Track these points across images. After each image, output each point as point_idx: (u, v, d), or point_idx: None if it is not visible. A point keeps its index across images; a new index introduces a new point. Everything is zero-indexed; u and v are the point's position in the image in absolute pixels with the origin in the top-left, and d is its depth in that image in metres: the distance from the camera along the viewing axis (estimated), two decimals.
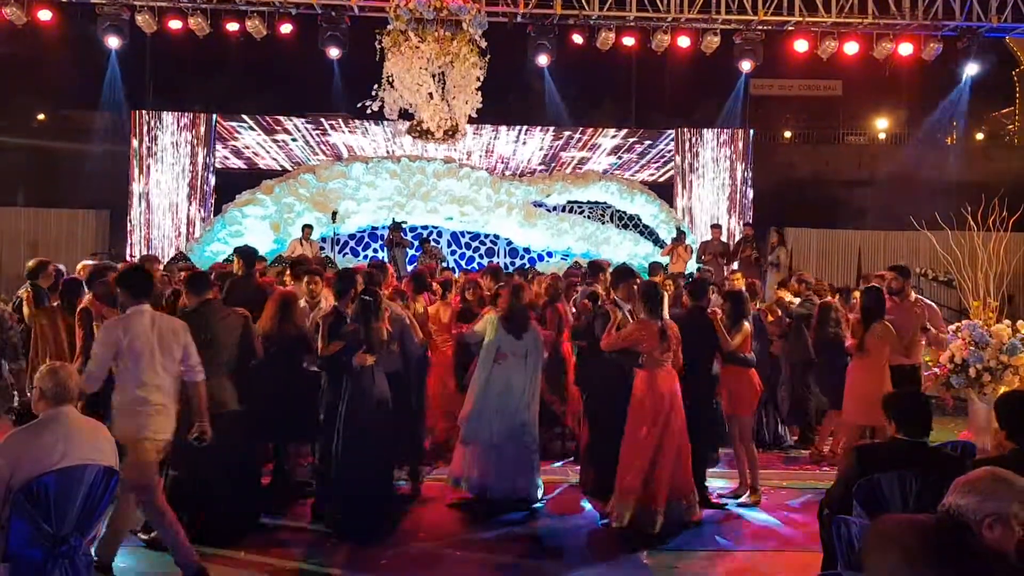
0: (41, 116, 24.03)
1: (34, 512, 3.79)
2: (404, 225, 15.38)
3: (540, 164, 17.69)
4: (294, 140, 17.37)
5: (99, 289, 6.41)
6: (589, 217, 16.92)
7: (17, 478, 3.80)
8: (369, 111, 9.04)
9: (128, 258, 14.32)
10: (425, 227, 16.39)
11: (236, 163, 17.40)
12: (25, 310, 7.56)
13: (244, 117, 17.27)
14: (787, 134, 26.59)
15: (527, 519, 6.38)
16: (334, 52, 10.81)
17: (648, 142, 17.86)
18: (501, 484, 6.44)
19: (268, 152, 17.43)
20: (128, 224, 16.75)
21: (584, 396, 7.10)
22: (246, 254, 7.62)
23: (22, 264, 13.40)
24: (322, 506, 6.11)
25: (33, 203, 18.44)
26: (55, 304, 7.02)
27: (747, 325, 6.80)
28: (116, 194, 17.00)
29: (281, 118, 17.32)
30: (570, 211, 16.94)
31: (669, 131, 17.83)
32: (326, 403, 6.08)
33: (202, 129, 16.96)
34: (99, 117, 19.01)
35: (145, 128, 16.91)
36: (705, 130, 17.79)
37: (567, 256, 16.29)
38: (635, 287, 6.54)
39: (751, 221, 16.79)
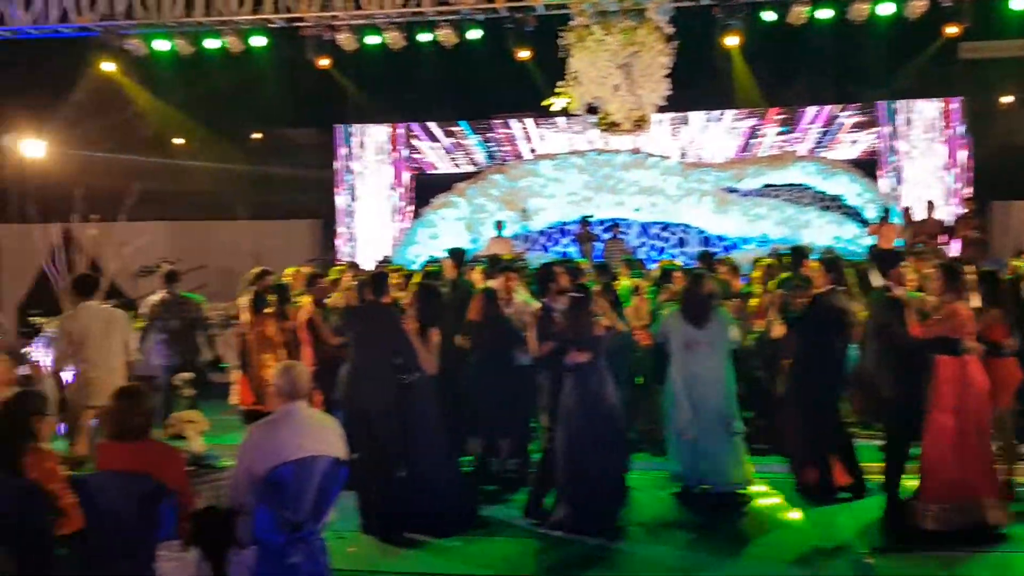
0: (257, 135, 25.98)
1: (275, 500, 4.13)
2: (591, 219, 15.43)
3: (732, 148, 17.19)
4: (484, 142, 17.84)
5: (316, 294, 6.90)
6: (787, 200, 16.25)
7: (259, 468, 4.15)
8: (555, 108, 9.12)
9: (337, 264, 15.22)
10: (613, 220, 16.35)
11: (430, 168, 18.10)
12: (244, 316, 8.19)
13: (436, 124, 17.93)
14: (1006, 99, 24.32)
15: (740, 508, 6.26)
16: (522, 53, 11.01)
17: (849, 117, 16.93)
18: (708, 475, 6.35)
19: (460, 155, 18.01)
20: (336, 232, 17.84)
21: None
22: (457, 255, 7.87)
23: (246, 273, 14.60)
24: (540, 501, 6.20)
25: (252, 216, 20.05)
26: (272, 310, 7.59)
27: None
28: (325, 204, 18.16)
29: (470, 122, 17.84)
30: (766, 195, 16.35)
31: (872, 104, 16.82)
32: (545, 402, 6.15)
33: (398, 138, 17.81)
34: (307, 134, 20.37)
35: (348, 141, 17.96)
36: (912, 101, 16.63)
37: (764, 242, 15.74)
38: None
39: (970, 196, 15.53)
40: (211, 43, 11.34)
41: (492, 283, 7.34)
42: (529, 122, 17.63)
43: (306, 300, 7.31)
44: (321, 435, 4.34)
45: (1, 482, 4.05)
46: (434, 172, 18.05)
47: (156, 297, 8.76)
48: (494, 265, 7.81)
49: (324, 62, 11.38)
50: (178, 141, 24.67)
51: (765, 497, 6.57)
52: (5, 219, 16.99)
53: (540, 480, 6.25)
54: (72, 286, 7.39)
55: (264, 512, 4.13)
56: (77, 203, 11.99)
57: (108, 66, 12.02)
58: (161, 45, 11.50)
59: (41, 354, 6.98)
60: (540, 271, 6.78)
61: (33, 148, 13.39)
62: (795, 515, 6.24)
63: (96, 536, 4.08)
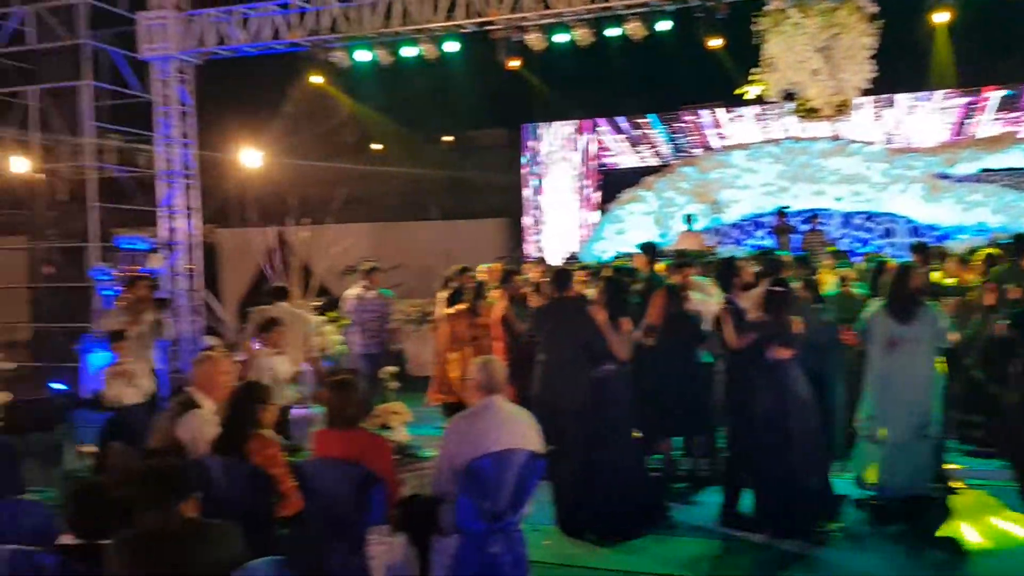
0: (448, 138, 26.89)
1: (475, 490, 4.26)
2: (788, 210, 14.84)
3: (943, 131, 15.98)
4: (671, 134, 17.57)
5: (509, 290, 7.05)
6: (1007, 186, 14.94)
7: (460, 459, 4.30)
8: (750, 97, 8.83)
9: (526, 261, 15.48)
10: (812, 210, 15.62)
11: (617, 163, 18.04)
12: (439, 310, 8.51)
13: (623, 118, 17.86)
14: None
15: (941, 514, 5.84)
16: (713, 42, 10.74)
17: None
18: (904, 482, 5.94)
19: (645, 149, 17.83)
20: (525, 230, 18.17)
21: None
22: (649, 249, 7.81)
23: (441, 270, 15.16)
24: (733, 505, 6.06)
25: (445, 216, 20.79)
26: (464, 306, 7.83)
27: None
28: (514, 203, 18.55)
29: (657, 115, 17.63)
30: (983, 180, 15.10)
31: None
32: (734, 400, 5.99)
33: (584, 135, 17.88)
34: (495, 134, 20.89)
35: (535, 139, 18.23)
36: None
37: (982, 231, 14.53)
38: None
39: None
40: (408, 51, 11.80)
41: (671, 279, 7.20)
42: (720, 112, 17.20)
43: (499, 296, 7.50)
44: (518, 429, 4.43)
45: (230, 467, 4.42)
46: (621, 167, 17.99)
47: (352, 292, 9.25)
48: (680, 260, 7.66)
49: (514, 63, 11.58)
50: (377, 147, 25.98)
51: (976, 503, 6.10)
52: (228, 224, 18.53)
53: (730, 482, 6.08)
54: (270, 291, 8.64)
55: (466, 501, 4.26)
56: (291, 208, 12.87)
57: (316, 78, 12.78)
58: (362, 56, 12.11)
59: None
60: (722, 265, 6.59)
61: (251, 158, 14.48)
62: (1013, 525, 5.75)
63: (314, 519, 4.37)
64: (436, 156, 25.25)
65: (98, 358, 11.98)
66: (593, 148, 17.96)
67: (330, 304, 10.68)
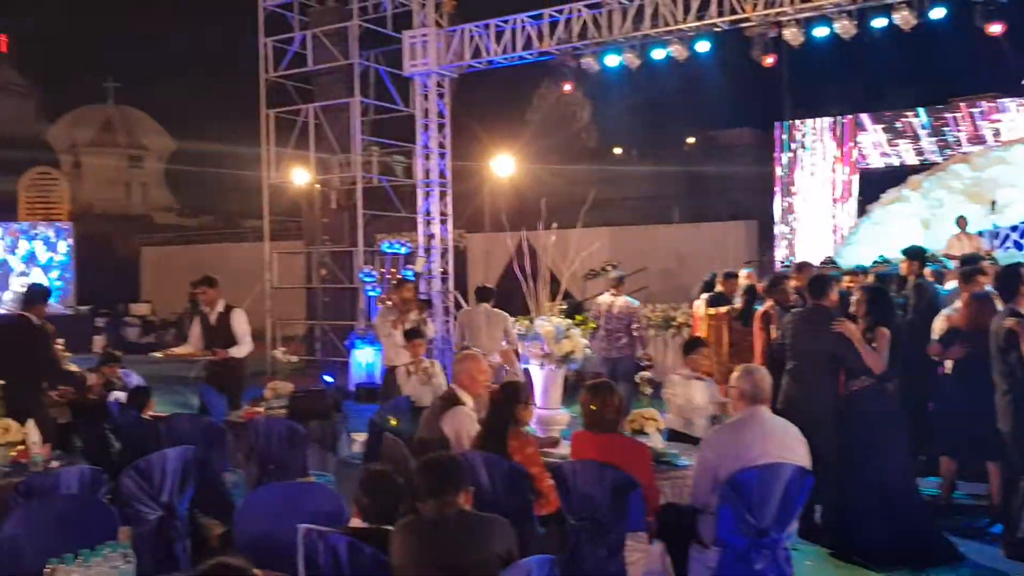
0: (691, 140, 26.53)
1: (738, 503, 4.12)
2: None
3: None
4: (937, 129, 16.21)
5: (778, 296, 6.79)
6: None
7: (722, 471, 4.18)
8: None
9: (778, 265, 14.89)
10: None
11: (878, 162, 16.91)
12: (698, 314, 8.38)
13: (884, 113, 16.72)
14: None
15: None
16: (993, 28, 9.78)
17: None
18: None
19: (905, 145, 16.57)
20: (775, 232, 17.47)
21: None
22: (915, 254, 7.27)
23: (685, 276, 14.93)
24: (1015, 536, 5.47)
25: (685, 219, 20.48)
26: (726, 310, 7.65)
27: None
28: (762, 204, 17.91)
29: (922, 109, 16.34)
30: None
31: None
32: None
33: (841, 132, 16.91)
34: (743, 134, 20.30)
35: (788, 138, 17.47)
36: None
37: None
38: None
39: None
40: (658, 53, 11.73)
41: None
42: (1000, 103, 15.64)
43: (767, 303, 7.26)
44: (787, 442, 4.25)
45: (491, 463, 4.58)
46: (881, 166, 16.84)
47: (602, 298, 9.35)
48: (972, 267, 6.98)
49: (769, 60, 11.17)
50: (617, 151, 26.13)
51: None
52: (476, 229, 19.35)
53: (1009, 511, 5.49)
54: (475, 292, 9.21)
55: (727, 514, 4.14)
56: (537, 212, 13.17)
57: (564, 86, 13.04)
58: (611, 60, 12.20)
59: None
60: (1005, 272, 5.94)
61: (502, 165, 15.04)
62: None
63: (571, 519, 4.42)
64: (678, 158, 24.97)
65: (363, 354, 12.97)
66: (850, 145, 16.94)
67: (574, 308, 10.82)
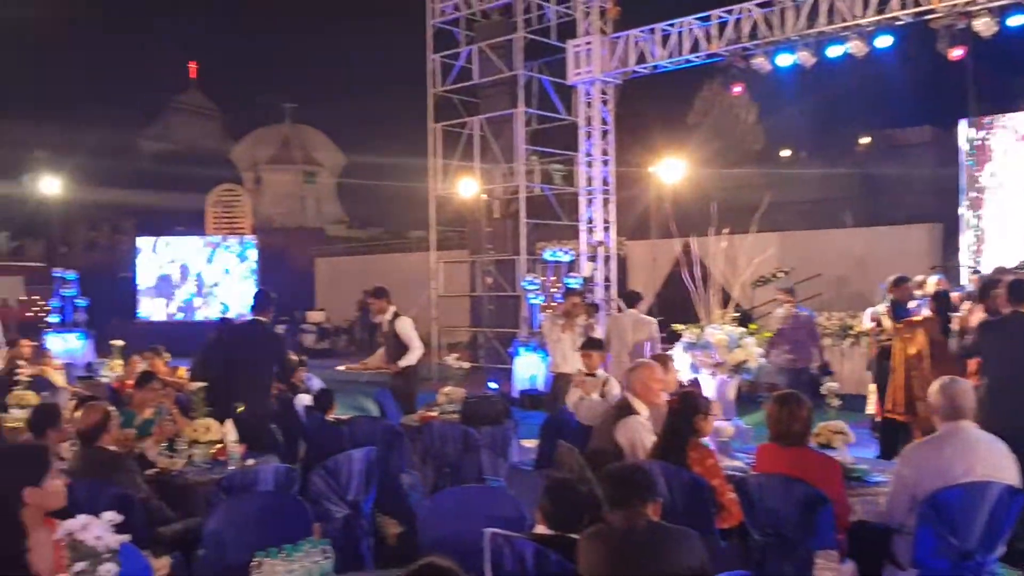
0: (865, 140, 25.26)
1: (939, 524, 3.86)
2: None
3: None
4: None
5: (989, 303, 6.37)
6: None
7: (921, 489, 3.93)
8: None
9: (965, 271, 13.93)
10: None
11: None
12: (885, 324, 7.94)
13: None
14: None
15: None
16: None
17: None
18: None
19: None
20: (960, 236, 16.32)
21: None
22: None
23: (862, 282, 14.21)
24: None
25: (859, 223, 19.46)
26: (921, 318, 7.21)
27: None
28: (943, 206, 16.78)
29: None
30: None
31: None
32: None
33: None
34: (923, 132, 19.11)
35: (973, 136, 16.30)
36: None
37: None
38: None
39: None
40: (834, 51, 11.25)
41: None
42: None
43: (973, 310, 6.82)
44: (993, 458, 3.94)
45: (670, 474, 4.48)
46: None
47: (781, 311, 9.09)
48: None
49: (956, 53, 10.48)
50: (785, 153, 25.24)
51: None
52: (640, 236, 19.14)
53: None
54: (624, 296, 9.21)
55: (927, 535, 3.88)
56: (703, 218, 12.91)
57: (734, 88, 12.74)
58: (784, 60, 11.80)
59: (682, 357, 7.66)
60: None
61: (668, 171, 14.81)
62: None
63: (756, 535, 4.27)
64: (851, 159, 23.86)
65: (526, 361, 13.10)
66: None
67: (745, 317, 10.53)
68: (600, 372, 6.75)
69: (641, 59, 13.15)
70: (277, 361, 6.79)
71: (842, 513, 4.17)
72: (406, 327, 8.18)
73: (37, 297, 21.33)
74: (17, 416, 6.86)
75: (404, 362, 8.11)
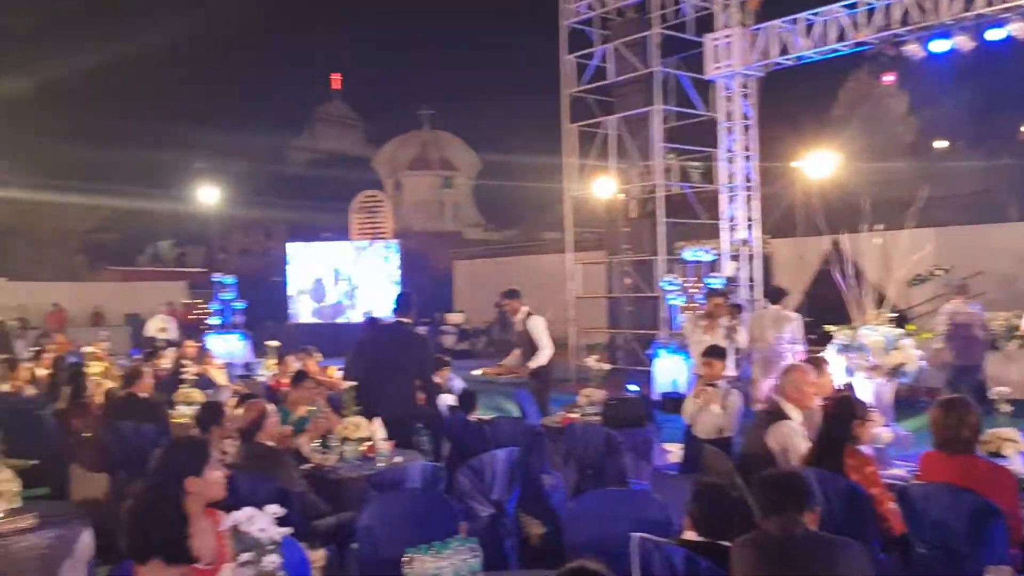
0: None
1: None
2: None
3: None
4: None
5: None
6: None
7: None
8: None
9: None
10: None
11: None
12: None
13: None
14: None
15: None
16: None
17: None
18: None
19: None
20: None
21: None
22: None
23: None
24: None
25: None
26: None
27: None
28: None
29: None
30: None
31: None
32: None
33: None
34: None
35: None
36: None
37: None
38: None
39: None
40: (994, 34, 10.52)
41: None
42: None
43: None
44: None
45: (826, 481, 4.29)
46: None
47: (949, 306, 8.59)
48: None
49: None
50: (939, 144, 23.85)
51: None
52: (786, 233, 18.51)
53: None
54: (766, 292, 9.08)
55: None
56: (852, 215, 12.35)
57: (884, 77, 12.14)
58: (939, 46, 11.13)
59: (836, 359, 7.33)
60: None
61: (818, 165, 14.18)
62: None
63: (920, 547, 4.03)
64: (1012, 149, 22.31)
65: (666, 363, 12.89)
66: None
67: (902, 317, 9.99)
68: (721, 383, 6.33)
69: (784, 50, 12.72)
70: (420, 361, 6.91)
71: (1016, 526, 3.89)
72: (537, 327, 8.26)
73: (199, 301, 22.66)
74: (183, 412, 7.31)
75: (533, 363, 8.19)
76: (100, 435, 6.61)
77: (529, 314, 8.43)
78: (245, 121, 44.97)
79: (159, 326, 15.17)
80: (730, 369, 8.42)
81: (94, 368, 8.46)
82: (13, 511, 4.14)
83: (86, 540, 4.23)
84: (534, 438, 6.44)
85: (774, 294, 9.28)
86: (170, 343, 11.41)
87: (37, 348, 10.36)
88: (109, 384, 7.87)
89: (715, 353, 6.58)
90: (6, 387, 8.05)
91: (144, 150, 35.38)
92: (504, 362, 8.86)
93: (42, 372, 8.97)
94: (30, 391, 8.08)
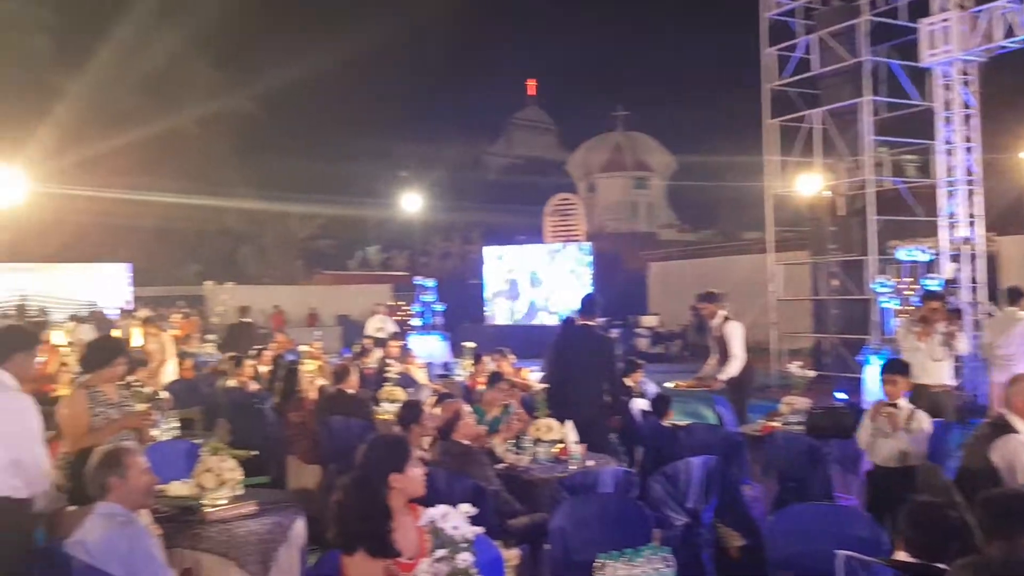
0: None
1: None
2: None
3: None
4: None
5: None
6: None
7: None
8: None
9: None
10: None
11: None
12: None
13: None
14: None
15: None
16: None
17: None
18: None
19: None
20: None
21: None
22: None
23: None
24: None
25: None
26: None
27: None
28: None
29: None
30: None
31: None
32: None
33: None
34: None
35: None
36: None
37: None
38: None
39: None
40: None
41: None
42: None
43: None
44: None
45: None
46: None
47: None
48: None
49: None
50: None
51: None
52: (1021, 230, 16.92)
53: None
54: (1007, 292, 8.69)
55: None
56: None
57: None
58: None
59: None
60: None
61: None
62: None
63: None
64: None
65: (876, 370, 12.10)
66: None
67: None
68: (903, 402, 5.51)
69: (1009, 32, 11.63)
70: (607, 364, 6.84)
71: None
72: (734, 333, 7.98)
73: (403, 303, 23.73)
74: (387, 409, 7.66)
75: (723, 375, 7.95)
76: (313, 429, 7.05)
77: (726, 319, 8.17)
78: (444, 131, 46.62)
79: (377, 325, 16.00)
80: (948, 379, 7.77)
81: (308, 366, 9.02)
82: (236, 498, 4.47)
83: (300, 527, 4.50)
84: (733, 446, 6.24)
85: (1012, 294, 8.67)
86: (379, 342, 11.99)
87: (260, 347, 11.19)
88: (321, 381, 8.37)
89: (898, 369, 5.68)
90: (232, 382, 8.75)
91: (353, 161, 37.52)
92: (700, 373, 8.62)
93: (264, 369, 9.68)
94: (253, 386, 8.73)
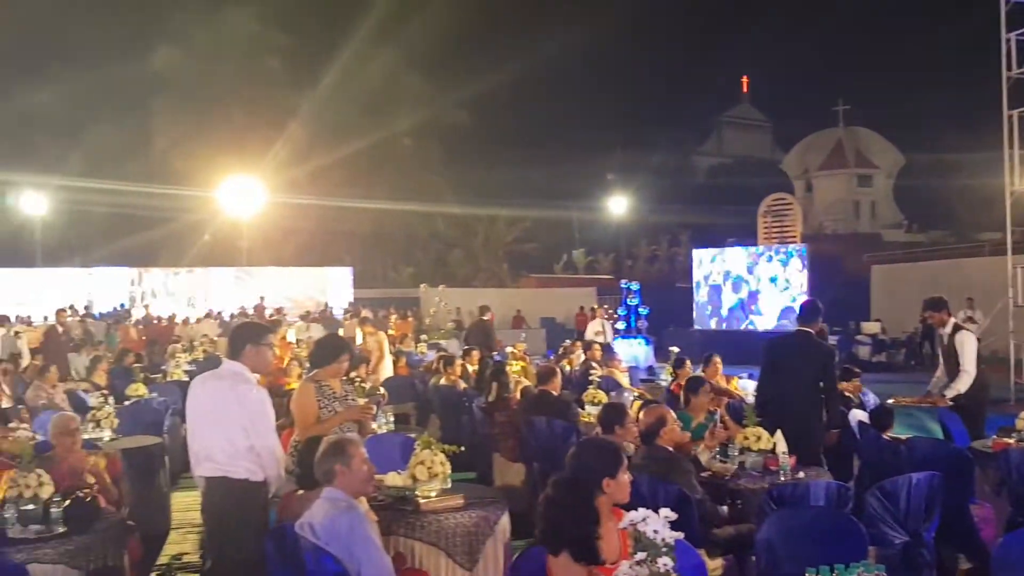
0: None
1: None
2: None
3: None
4: None
5: None
6: None
7: None
8: None
9: None
10: None
11: None
12: None
13: None
14: None
15: None
16: None
17: None
18: None
19: None
20: None
21: None
22: None
23: None
24: None
25: None
26: None
27: None
28: None
29: None
30: None
31: None
32: None
33: None
34: None
35: None
36: None
37: None
38: None
39: None
40: None
41: None
42: None
43: None
44: None
45: None
46: None
47: None
48: None
49: None
50: None
51: None
52: None
53: None
54: None
55: None
56: None
57: None
58: None
59: None
60: None
61: None
62: None
63: None
64: None
65: None
66: None
67: None
68: None
69: None
70: (823, 374, 6.48)
71: None
72: (964, 344, 7.31)
73: (607, 306, 23.76)
74: (590, 411, 7.71)
75: (950, 392, 7.31)
76: (518, 428, 7.23)
77: (957, 328, 7.54)
78: (652, 132, 46.29)
79: (596, 329, 16.14)
80: None
81: (514, 367, 9.25)
82: (445, 491, 4.68)
83: (505, 522, 4.64)
84: (960, 463, 5.76)
85: None
86: (588, 344, 12.04)
87: (466, 347, 11.61)
88: (526, 382, 8.56)
89: None
90: (444, 381, 9.14)
91: (559, 165, 38.08)
92: (929, 389, 7.98)
93: (471, 368, 10.04)
94: (462, 385, 9.08)
